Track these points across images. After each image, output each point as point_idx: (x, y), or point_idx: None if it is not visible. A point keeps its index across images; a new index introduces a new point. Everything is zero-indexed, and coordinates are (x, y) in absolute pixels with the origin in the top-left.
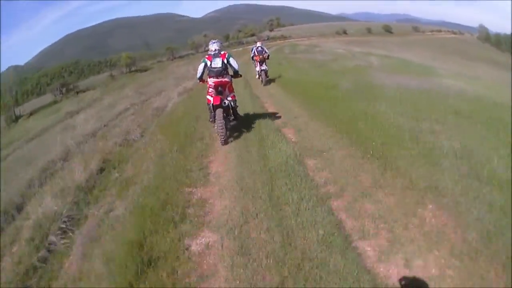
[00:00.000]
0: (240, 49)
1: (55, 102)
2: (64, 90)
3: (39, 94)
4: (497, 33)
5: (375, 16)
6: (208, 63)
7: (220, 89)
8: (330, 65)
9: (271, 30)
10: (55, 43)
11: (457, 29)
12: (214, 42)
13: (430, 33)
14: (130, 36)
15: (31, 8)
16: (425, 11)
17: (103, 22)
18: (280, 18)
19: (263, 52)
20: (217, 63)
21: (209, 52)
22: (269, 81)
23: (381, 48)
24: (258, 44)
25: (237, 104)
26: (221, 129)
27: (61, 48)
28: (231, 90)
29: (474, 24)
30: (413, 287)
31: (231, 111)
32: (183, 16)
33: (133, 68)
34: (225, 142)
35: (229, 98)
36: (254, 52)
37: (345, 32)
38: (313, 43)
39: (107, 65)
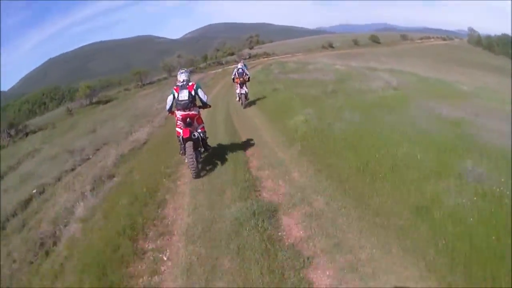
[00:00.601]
0: (220, 70)
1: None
2: (13, 131)
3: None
4: (488, 35)
5: (352, 27)
6: (176, 95)
7: (189, 121)
8: (345, 89)
9: (251, 48)
10: (38, 67)
11: (445, 35)
12: (182, 73)
13: (419, 40)
14: (111, 59)
15: (15, 32)
16: (404, 18)
17: (85, 46)
18: (259, 35)
19: (244, 74)
20: (184, 95)
21: (177, 83)
22: (248, 104)
23: (376, 61)
24: (239, 65)
25: (207, 136)
26: (192, 163)
27: (45, 73)
28: (200, 122)
29: (454, 27)
30: None
31: (201, 143)
32: (162, 38)
33: (94, 100)
34: (197, 176)
35: (199, 130)
36: (235, 74)
37: (331, 46)
38: (301, 60)
39: (69, 95)
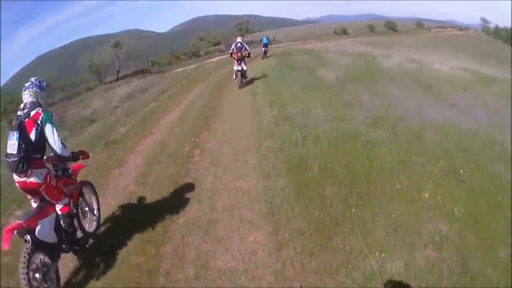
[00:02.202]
0: (193, 66)
1: None
2: None
3: None
4: (505, 27)
5: (342, 18)
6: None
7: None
8: None
9: (242, 36)
10: (27, 65)
11: (458, 26)
12: (27, 88)
13: (436, 30)
14: (99, 54)
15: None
16: (392, 8)
17: (74, 42)
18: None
19: (243, 49)
20: (12, 144)
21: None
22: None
23: (412, 52)
24: (238, 39)
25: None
26: None
27: (34, 71)
28: (59, 198)
29: (446, 18)
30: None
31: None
32: (150, 31)
33: None
34: None
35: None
36: (233, 48)
37: (345, 32)
38: (327, 48)
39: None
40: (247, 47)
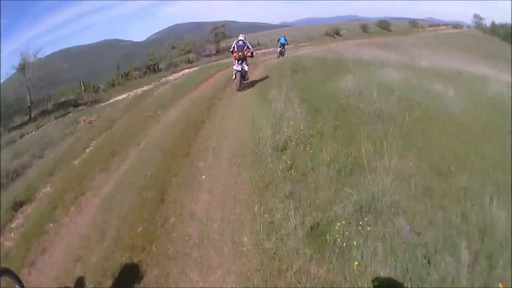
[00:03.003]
0: (144, 88)
1: None
2: None
3: None
4: (500, 23)
5: (318, 20)
6: None
7: None
8: None
9: (217, 42)
10: (4, 81)
11: (451, 24)
12: None
13: (431, 28)
14: (80, 65)
15: None
16: (368, 8)
17: (52, 54)
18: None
19: (245, 48)
20: None
21: None
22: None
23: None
24: (240, 37)
25: None
26: None
27: (12, 85)
28: None
29: (423, 15)
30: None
31: None
32: (127, 41)
33: None
34: None
35: None
36: (234, 46)
37: (337, 34)
38: (339, 52)
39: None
40: (249, 46)
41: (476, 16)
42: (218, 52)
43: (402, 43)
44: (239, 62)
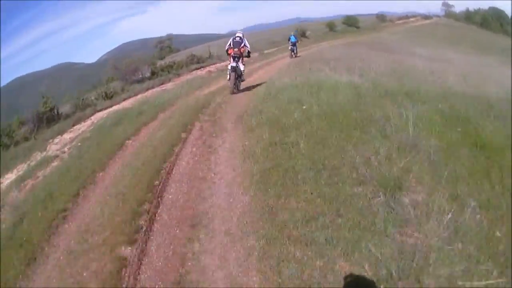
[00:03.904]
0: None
1: None
2: None
3: None
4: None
5: (265, 26)
6: None
7: None
8: None
9: (161, 58)
10: None
11: (421, 15)
12: None
13: (400, 21)
14: (35, 92)
15: None
16: (316, 10)
17: (7, 84)
18: (173, 39)
19: (242, 45)
20: None
21: None
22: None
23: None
24: (238, 33)
25: None
26: None
27: None
28: None
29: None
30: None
31: None
32: (80, 63)
33: None
34: None
35: None
36: (230, 43)
37: (304, 35)
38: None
39: None
40: (247, 44)
41: (445, 4)
42: (154, 74)
43: (387, 40)
44: (235, 60)
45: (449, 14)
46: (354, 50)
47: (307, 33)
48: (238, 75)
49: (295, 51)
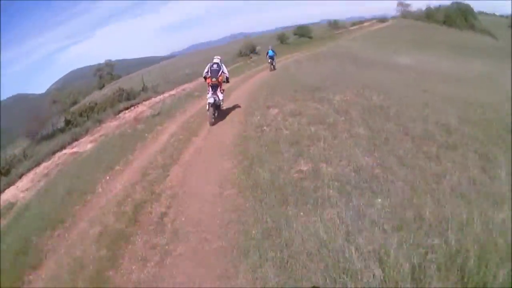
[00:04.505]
0: None
1: None
2: None
3: None
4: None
5: (206, 44)
6: None
7: None
8: None
9: (100, 88)
10: None
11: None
12: None
13: (355, 27)
14: None
15: None
16: (258, 23)
17: None
18: (114, 65)
19: (220, 72)
20: None
21: None
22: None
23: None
24: (215, 59)
25: None
26: None
27: None
28: None
29: (310, 20)
30: None
31: None
32: (30, 94)
33: None
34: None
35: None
36: (208, 71)
37: (253, 51)
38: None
39: None
40: (225, 71)
41: (401, 3)
42: (69, 123)
43: (351, 49)
44: (213, 91)
45: (406, 14)
46: (326, 65)
47: (257, 48)
48: (216, 106)
49: (274, 64)
